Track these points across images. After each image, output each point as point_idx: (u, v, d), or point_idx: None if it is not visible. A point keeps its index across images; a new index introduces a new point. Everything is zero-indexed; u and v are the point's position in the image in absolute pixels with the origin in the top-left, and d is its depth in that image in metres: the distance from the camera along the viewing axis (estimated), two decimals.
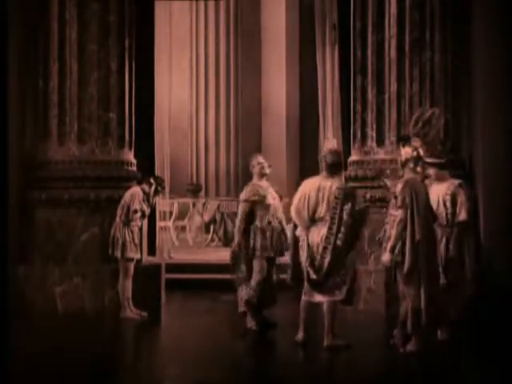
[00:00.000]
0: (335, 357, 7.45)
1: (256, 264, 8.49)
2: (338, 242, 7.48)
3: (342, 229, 7.48)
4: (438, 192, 8.04)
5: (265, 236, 8.49)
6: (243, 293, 8.55)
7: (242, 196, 8.63)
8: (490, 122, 9.79)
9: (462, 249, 8.04)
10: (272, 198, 8.62)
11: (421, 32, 9.89)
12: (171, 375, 6.93)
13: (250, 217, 8.54)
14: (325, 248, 7.51)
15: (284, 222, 8.70)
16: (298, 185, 8.08)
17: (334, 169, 7.71)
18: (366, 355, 7.49)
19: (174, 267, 11.16)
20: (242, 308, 8.60)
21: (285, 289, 8.71)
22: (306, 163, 17.62)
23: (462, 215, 8.02)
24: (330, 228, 7.51)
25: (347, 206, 7.49)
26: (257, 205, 8.54)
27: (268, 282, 8.57)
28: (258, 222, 8.52)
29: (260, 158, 8.77)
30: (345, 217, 7.48)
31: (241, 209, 8.57)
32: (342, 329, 7.72)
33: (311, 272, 7.55)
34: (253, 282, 8.48)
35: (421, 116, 7.84)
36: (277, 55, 17.75)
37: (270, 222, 8.54)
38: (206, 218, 14.86)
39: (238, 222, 8.58)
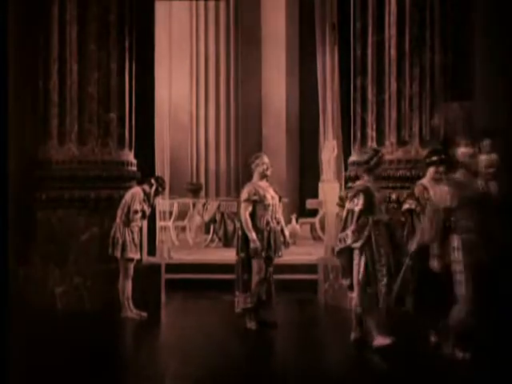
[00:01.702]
0: (334, 357, 7.44)
1: (255, 265, 8.48)
2: (348, 241, 7.50)
3: (346, 228, 7.50)
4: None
5: (263, 236, 8.49)
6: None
7: (243, 196, 8.59)
8: (489, 122, 9.77)
9: None
10: (271, 197, 8.60)
11: (421, 32, 9.89)
12: (171, 375, 6.93)
13: (250, 216, 8.53)
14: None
15: (283, 223, 8.70)
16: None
17: (359, 168, 7.73)
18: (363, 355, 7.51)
19: (173, 267, 11.16)
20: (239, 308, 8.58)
21: (284, 289, 8.71)
22: (306, 163, 17.66)
23: None
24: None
25: (349, 205, 7.52)
26: (256, 205, 8.53)
27: (267, 283, 8.57)
28: (256, 222, 8.50)
29: (265, 159, 8.70)
30: (344, 215, 7.51)
31: (243, 209, 8.52)
32: (341, 328, 7.72)
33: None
34: (252, 283, 8.47)
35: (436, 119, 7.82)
36: (277, 55, 17.78)
37: (268, 223, 8.53)
38: (206, 218, 14.85)
39: (244, 221, 8.45)
